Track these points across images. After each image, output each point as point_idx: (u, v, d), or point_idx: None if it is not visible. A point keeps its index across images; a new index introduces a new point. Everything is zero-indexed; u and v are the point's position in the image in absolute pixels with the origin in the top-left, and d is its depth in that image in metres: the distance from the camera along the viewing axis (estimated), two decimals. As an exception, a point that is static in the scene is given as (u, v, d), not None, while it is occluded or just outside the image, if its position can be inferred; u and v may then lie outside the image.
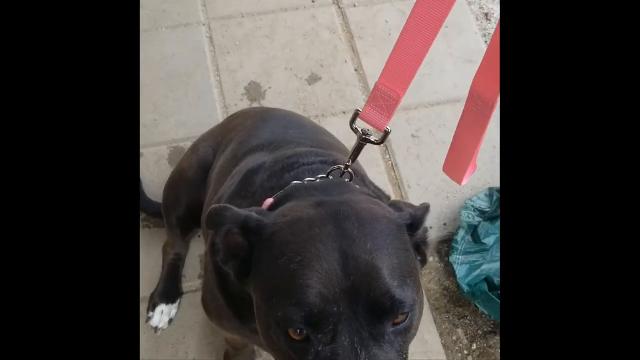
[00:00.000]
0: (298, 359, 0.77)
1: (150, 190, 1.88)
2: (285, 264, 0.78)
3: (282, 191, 0.98)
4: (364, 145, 0.99)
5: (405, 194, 1.98)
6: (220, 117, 2.07)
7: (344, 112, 2.13)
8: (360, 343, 0.74)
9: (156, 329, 1.68)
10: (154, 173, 1.94)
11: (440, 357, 1.71)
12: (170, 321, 1.71)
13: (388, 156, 2.06)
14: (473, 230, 1.74)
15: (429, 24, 0.89)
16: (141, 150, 1.97)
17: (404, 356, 0.80)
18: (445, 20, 0.90)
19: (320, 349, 0.74)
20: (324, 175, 0.99)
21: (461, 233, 1.73)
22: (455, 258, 1.71)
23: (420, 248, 0.90)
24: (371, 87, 2.17)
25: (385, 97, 0.94)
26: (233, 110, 2.09)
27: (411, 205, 0.92)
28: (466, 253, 1.71)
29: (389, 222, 0.83)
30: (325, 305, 0.73)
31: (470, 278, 1.69)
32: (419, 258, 0.90)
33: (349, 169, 1.01)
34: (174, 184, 1.61)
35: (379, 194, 1.08)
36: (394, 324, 0.77)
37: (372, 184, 1.13)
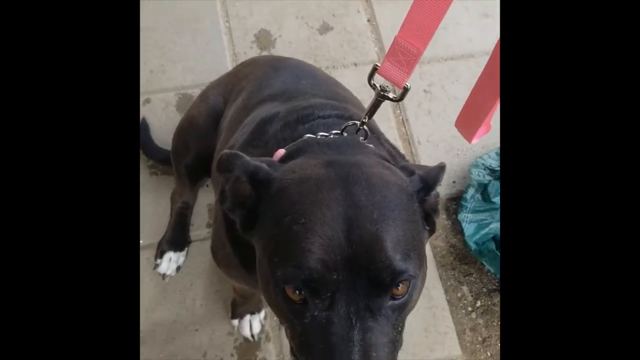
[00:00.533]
0: (294, 319, 0.76)
1: (157, 137, 1.85)
2: (289, 223, 0.76)
3: (293, 144, 0.95)
4: (382, 101, 0.96)
5: (415, 150, 1.96)
6: (229, 65, 2.02)
7: (355, 64, 2.08)
8: (356, 314, 0.72)
9: (164, 275, 1.69)
10: (162, 119, 1.91)
11: (444, 313, 1.73)
12: (178, 269, 1.71)
13: (399, 111, 2.02)
14: (483, 189, 1.73)
15: None
16: (148, 96, 1.93)
17: (400, 329, 0.79)
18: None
19: (316, 313, 0.74)
20: (339, 132, 0.96)
21: (471, 191, 1.72)
22: (464, 216, 1.71)
23: (430, 217, 0.88)
24: (384, 38, 2.14)
25: (404, 52, 0.90)
26: (242, 58, 2.04)
27: (424, 167, 0.89)
28: (475, 211, 1.70)
29: (399, 191, 0.81)
30: (325, 272, 0.72)
31: (477, 236, 1.69)
32: (427, 228, 0.88)
33: (364, 126, 0.98)
34: (183, 132, 1.58)
35: (394, 153, 1.05)
36: (393, 298, 0.75)
37: (388, 141, 1.10)
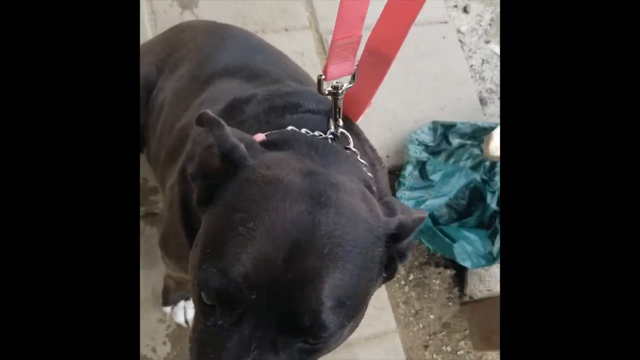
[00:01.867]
0: (201, 315, 0.71)
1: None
2: (238, 222, 0.68)
3: (277, 131, 0.87)
4: (340, 98, 0.89)
5: (348, 123, 1.92)
6: (147, 25, 1.82)
7: (286, 29, 1.97)
8: (259, 341, 0.66)
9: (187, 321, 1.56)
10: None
11: (379, 289, 1.74)
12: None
13: (332, 81, 1.96)
14: (421, 166, 1.73)
15: None
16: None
17: None
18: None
19: (220, 322, 0.67)
20: (324, 135, 0.88)
21: (409, 168, 1.73)
22: (402, 193, 1.71)
23: (393, 262, 0.79)
24: (315, 3, 2.03)
25: (345, 47, 0.85)
26: (162, 18, 1.85)
27: (406, 209, 0.80)
28: (412, 189, 1.71)
29: (365, 231, 0.71)
30: (244, 289, 0.65)
31: (416, 213, 1.71)
32: (384, 275, 0.79)
33: (342, 130, 0.90)
34: None
35: (373, 159, 0.98)
36: (306, 342, 0.69)
37: (367, 142, 1.03)
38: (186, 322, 1.56)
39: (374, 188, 0.87)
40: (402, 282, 1.80)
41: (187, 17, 1.89)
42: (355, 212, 0.72)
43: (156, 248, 1.22)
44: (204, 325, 0.69)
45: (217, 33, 1.32)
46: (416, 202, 1.71)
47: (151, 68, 1.33)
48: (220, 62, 1.19)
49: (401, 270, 1.80)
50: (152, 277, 1.59)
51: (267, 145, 0.83)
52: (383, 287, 1.75)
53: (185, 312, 1.56)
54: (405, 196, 1.71)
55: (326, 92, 0.87)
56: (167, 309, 1.56)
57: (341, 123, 0.90)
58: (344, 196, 0.73)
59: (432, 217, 1.70)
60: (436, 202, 1.72)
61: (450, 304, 1.81)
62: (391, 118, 1.94)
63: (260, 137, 0.85)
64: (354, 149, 0.90)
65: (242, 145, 0.75)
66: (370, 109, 1.93)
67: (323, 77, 0.86)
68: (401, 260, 0.79)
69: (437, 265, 1.83)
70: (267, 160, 0.76)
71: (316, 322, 0.65)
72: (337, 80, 0.88)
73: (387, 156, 1.90)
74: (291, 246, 0.66)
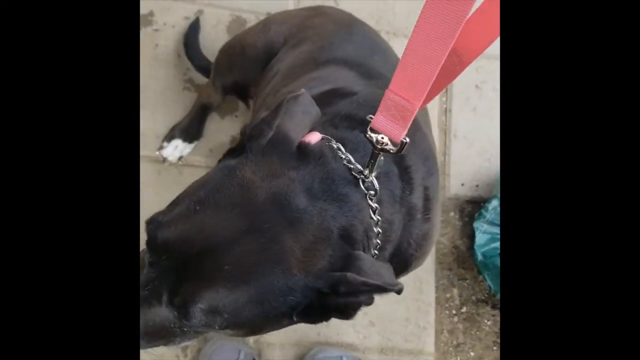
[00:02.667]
0: None
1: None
2: (197, 196, 0.76)
3: (325, 139, 0.86)
4: (379, 154, 0.81)
5: (448, 143, 1.91)
6: (290, 2, 1.93)
7: (416, 38, 2.00)
8: (154, 286, 0.74)
9: (164, 159, 1.69)
10: (209, 36, 1.83)
11: (429, 309, 1.73)
12: (180, 158, 1.71)
13: (445, 98, 1.96)
14: (507, 204, 1.70)
15: (446, 20, 0.69)
16: (203, 8, 1.85)
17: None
18: (466, 15, 0.67)
19: (144, 257, 0.76)
20: (356, 167, 0.84)
21: (494, 202, 1.70)
22: (480, 225, 1.69)
23: (326, 313, 0.77)
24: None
25: (397, 107, 0.76)
26: (305, -2, 1.96)
27: (374, 272, 0.75)
28: (491, 223, 1.68)
29: (278, 276, 0.73)
30: (160, 247, 0.74)
31: (487, 248, 1.68)
32: (295, 319, 0.78)
33: (369, 179, 0.84)
34: (232, 55, 1.53)
35: (414, 208, 0.93)
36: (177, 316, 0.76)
37: (424, 189, 0.96)
38: (165, 158, 1.70)
39: (371, 241, 0.84)
40: (453, 312, 1.77)
41: (329, 3, 1.97)
42: (280, 255, 0.73)
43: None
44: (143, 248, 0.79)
45: (347, 26, 1.37)
46: (491, 238, 1.68)
47: (278, 38, 1.42)
48: (341, 51, 1.23)
49: (455, 299, 1.78)
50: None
51: (301, 149, 0.82)
52: (432, 307, 1.74)
53: (175, 149, 1.70)
54: (482, 228, 1.68)
55: (370, 138, 0.78)
56: (162, 150, 1.70)
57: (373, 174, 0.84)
58: (284, 236, 0.74)
59: (503, 256, 1.66)
60: (511, 243, 1.68)
61: (494, 348, 1.76)
62: (492, 149, 1.91)
63: (316, 136, 0.84)
64: (371, 202, 0.84)
65: (265, 137, 0.78)
66: (473, 136, 1.94)
67: (371, 118, 0.77)
68: (341, 314, 0.77)
69: (493, 307, 1.79)
70: (263, 164, 0.78)
71: (183, 308, 0.72)
72: (383, 136, 0.78)
73: (477, 185, 1.87)
74: (208, 245, 0.72)
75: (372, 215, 0.85)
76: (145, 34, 1.79)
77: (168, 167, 1.71)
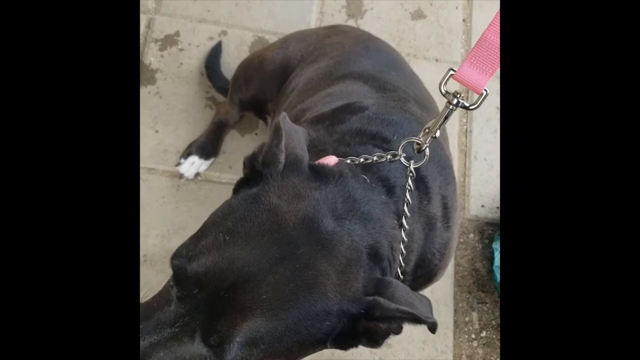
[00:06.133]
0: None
1: (223, 70, 1.83)
2: (225, 227, 0.74)
3: (340, 161, 0.87)
4: (453, 110, 0.85)
5: (469, 164, 1.90)
6: (312, 22, 1.97)
7: (437, 60, 2.01)
8: (184, 322, 0.71)
9: (181, 175, 1.71)
10: (232, 55, 1.87)
11: (447, 332, 1.69)
12: (197, 175, 1.73)
13: (465, 120, 1.96)
14: (527, 225, 1.66)
15: None
16: (226, 29, 1.89)
17: None
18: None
19: (173, 287, 0.73)
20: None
21: (514, 223, 1.67)
22: (498, 246, 1.66)
23: (357, 337, 0.77)
24: (473, 42, 2.05)
25: (490, 48, 0.78)
26: (327, 19, 1.99)
27: (404, 297, 0.76)
28: (512, 244, 1.65)
29: (315, 301, 0.72)
30: (192, 281, 0.71)
31: (507, 270, 1.64)
32: (328, 345, 0.77)
33: (412, 178, 0.88)
34: (250, 69, 1.56)
35: (434, 217, 0.94)
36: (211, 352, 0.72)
37: (444, 197, 0.97)
38: (182, 175, 1.71)
39: (396, 254, 0.85)
40: (473, 336, 1.73)
41: (350, 24, 2.00)
42: (316, 279, 0.72)
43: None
44: (168, 282, 0.76)
45: (364, 42, 1.39)
46: (511, 259, 1.64)
47: (296, 55, 1.45)
48: (357, 66, 1.25)
49: (475, 323, 1.73)
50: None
51: (316, 170, 0.83)
52: (450, 331, 1.70)
53: (191, 166, 1.71)
54: (499, 247, 1.65)
55: (444, 92, 0.84)
56: (180, 166, 1.71)
57: (412, 167, 0.89)
58: (318, 260, 0.73)
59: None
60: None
61: (515, 375, 1.70)
62: (514, 172, 1.88)
63: (332, 160, 0.86)
64: (401, 210, 0.87)
65: (280, 162, 0.78)
66: (494, 157, 1.92)
67: (452, 73, 0.82)
68: (369, 340, 0.77)
69: (514, 332, 1.73)
70: (286, 188, 0.78)
71: (220, 344, 0.70)
72: (459, 92, 0.84)
73: (497, 207, 1.84)
74: (242, 276, 0.70)
75: (396, 227, 0.86)
76: (170, 53, 1.84)
77: (187, 183, 1.73)
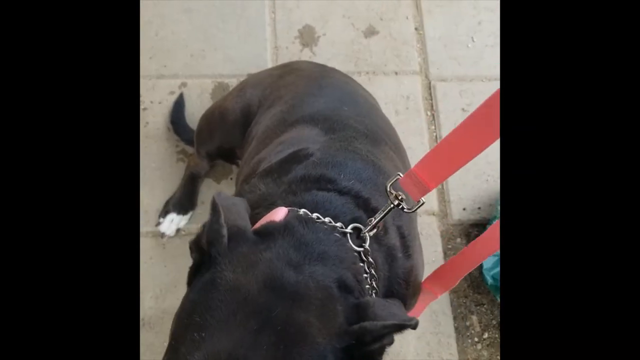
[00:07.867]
0: None
1: (188, 122, 1.85)
2: (194, 325, 0.73)
3: (291, 211, 0.90)
4: (390, 210, 0.92)
5: (444, 170, 1.92)
6: (268, 58, 2.00)
7: (396, 73, 2.04)
8: None
9: (163, 234, 1.73)
10: (195, 105, 1.90)
11: (449, 340, 1.71)
12: (178, 230, 1.75)
13: (434, 127, 1.98)
14: (508, 223, 1.69)
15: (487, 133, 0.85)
16: (186, 81, 1.92)
17: None
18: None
19: None
20: (332, 225, 0.90)
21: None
22: (485, 247, 1.68)
23: (367, 357, 0.78)
24: (429, 50, 2.09)
25: (416, 183, 0.90)
26: (282, 53, 2.02)
27: (386, 311, 0.79)
28: (497, 244, 1.67)
29: (309, 352, 0.73)
30: None
31: (495, 271, 1.66)
32: None
33: (370, 233, 0.92)
34: (211, 122, 1.58)
35: (394, 248, 0.98)
36: None
37: (399, 228, 1.01)
38: (164, 234, 1.74)
39: (363, 285, 0.88)
40: (476, 339, 1.75)
41: (306, 54, 2.04)
42: (302, 332, 0.74)
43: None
44: None
45: (317, 80, 1.41)
46: (498, 260, 1.66)
47: (254, 100, 1.47)
48: (310, 108, 1.26)
49: (475, 326, 1.75)
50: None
51: (260, 232, 0.85)
52: (453, 339, 1.72)
53: (171, 223, 1.74)
54: (488, 251, 1.67)
55: (390, 192, 0.91)
56: (160, 226, 1.74)
57: (370, 233, 0.93)
58: (295, 314, 0.74)
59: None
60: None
61: (523, 371, 1.72)
62: (490, 171, 1.91)
63: (282, 212, 0.88)
64: (354, 245, 0.90)
65: (224, 238, 0.79)
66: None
67: (400, 176, 0.91)
68: (379, 355, 0.79)
69: (516, 328, 1.75)
70: (237, 261, 0.78)
71: None
72: (403, 197, 0.91)
73: (479, 208, 1.87)
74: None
75: (357, 261, 0.89)
76: (134, 114, 1.87)
77: (171, 240, 1.75)
